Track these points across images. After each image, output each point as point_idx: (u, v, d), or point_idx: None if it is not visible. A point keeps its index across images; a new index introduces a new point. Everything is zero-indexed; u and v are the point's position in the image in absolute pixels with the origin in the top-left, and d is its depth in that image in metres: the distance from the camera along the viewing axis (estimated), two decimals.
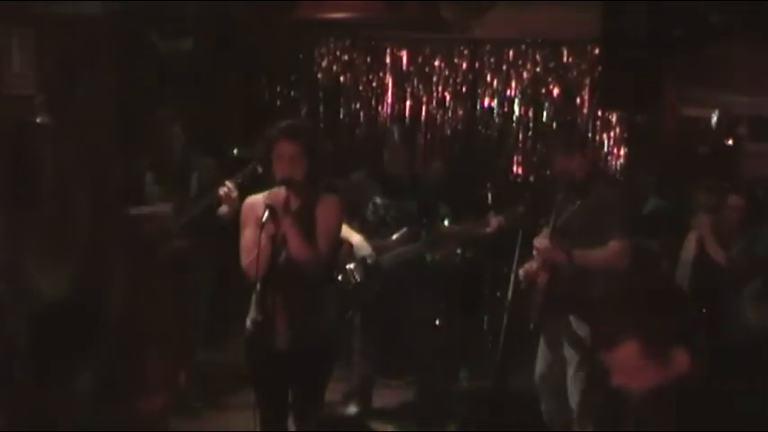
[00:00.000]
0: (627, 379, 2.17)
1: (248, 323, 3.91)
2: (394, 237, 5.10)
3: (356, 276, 5.00)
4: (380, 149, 5.24)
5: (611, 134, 7.23)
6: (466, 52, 7.64)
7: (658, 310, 2.16)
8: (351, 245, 5.00)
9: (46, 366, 2.58)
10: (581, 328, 4.24)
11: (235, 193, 4.81)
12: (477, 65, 7.63)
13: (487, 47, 7.55)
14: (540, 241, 4.31)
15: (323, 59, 8.01)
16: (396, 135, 5.21)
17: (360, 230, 5.09)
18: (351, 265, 5.00)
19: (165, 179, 5.21)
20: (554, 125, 7.34)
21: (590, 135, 7.18)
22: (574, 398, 4.40)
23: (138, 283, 5.19)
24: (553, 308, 4.37)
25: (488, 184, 6.49)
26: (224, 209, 4.87)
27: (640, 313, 2.16)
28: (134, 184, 5.25)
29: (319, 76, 8.03)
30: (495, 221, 5.15)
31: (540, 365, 4.62)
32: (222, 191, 4.83)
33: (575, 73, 7.29)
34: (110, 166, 5.77)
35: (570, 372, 4.39)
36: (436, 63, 7.77)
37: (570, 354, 4.37)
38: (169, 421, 2.60)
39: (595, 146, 7.02)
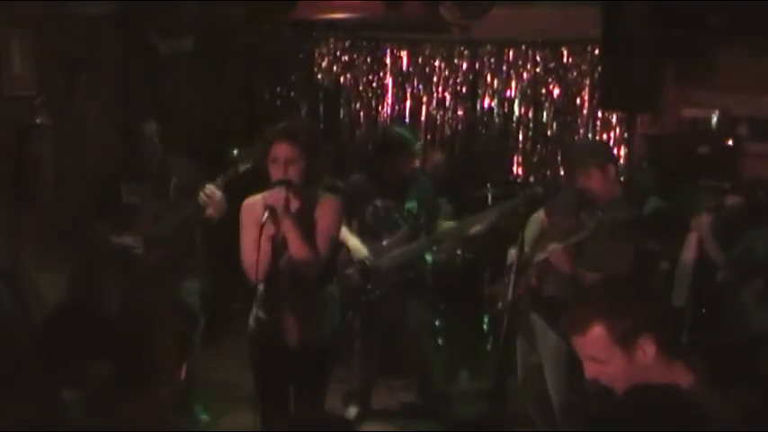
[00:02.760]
0: (597, 368, 2.29)
1: (250, 323, 3.92)
2: (394, 237, 5.10)
3: (354, 280, 5.00)
4: (381, 149, 5.24)
5: (612, 134, 7.22)
6: (466, 53, 7.63)
7: (623, 297, 2.34)
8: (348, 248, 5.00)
9: (47, 366, 2.58)
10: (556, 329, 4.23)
11: (218, 195, 4.66)
12: (477, 65, 7.62)
13: (487, 47, 7.54)
14: (553, 252, 4.21)
15: (323, 60, 8.02)
16: (396, 135, 5.21)
17: (360, 231, 5.09)
18: (349, 270, 5.00)
19: (145, 183, 5.00)
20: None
21: (589, 136, 7.18)
22: (554, 398, 4.40)
23: (136, 284, 5.19)
24: (532, 310, 4.37)
25: (488, 184, 6.50)
26: (210, 211, 4.72)
27: (606, 299, 2.35)
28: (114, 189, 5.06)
29: (319, 76, 8.03)
30: (490, 215, 5.13)
31: (520, 369, 4.62)
32: (203, 195, 4.67)
33: (575, 73, 7.29)
34: (108, 165, 5.78)
35: (547, 372, 4.38)
36: (436, 63, 7.76)
37: (546, 354, 4.37)
38: (169, 419, 2.60)
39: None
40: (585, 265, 4.10)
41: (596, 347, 2.30)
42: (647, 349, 2.28)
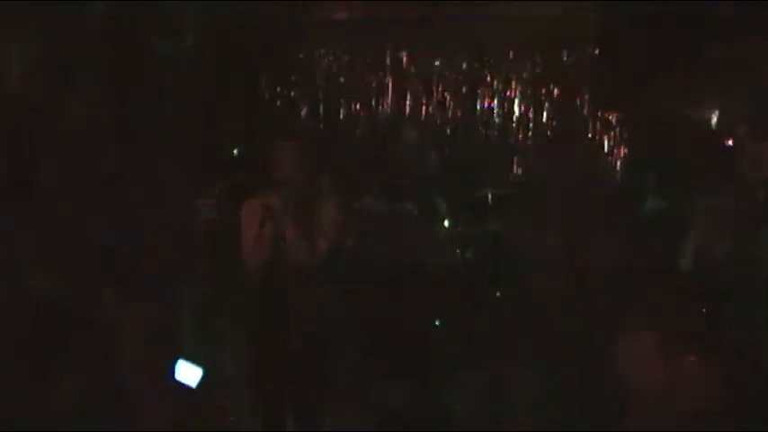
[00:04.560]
0: (635, 370, 2.23)
1: (249, 322, 3.92)
2: (394, 237, 5.10)
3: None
4: (381, 149, 5.25)
5: (612, 134, 7.23)
6: (466, 53, 7.64)
7: (676, 307, 2.23)
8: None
9: (46, 374, 2.58)
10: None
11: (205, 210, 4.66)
12: (477, 65, 7.63)
13: (487, 47, 7.56)
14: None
15: (323, 59, 8.02)
16: (396, 135, 5.22)
17: (360, 231, 5.10)
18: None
19: (144, 184, 5.02)
20: (554, 126, 7.35)
21: (590, 135, 7.19)
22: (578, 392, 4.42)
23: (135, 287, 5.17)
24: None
25: (488, 185, 6.50)
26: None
27: (659, 306, 2.23)
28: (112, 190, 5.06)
29: (319, 76, 8.04)
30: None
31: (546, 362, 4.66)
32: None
33: (575, 73, 7.29)
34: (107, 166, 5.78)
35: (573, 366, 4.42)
36: (436, 63, 7.77)
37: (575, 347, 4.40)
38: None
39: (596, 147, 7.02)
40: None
41: (639, 352, 2.29)
42: (690, 359, 2.27)
